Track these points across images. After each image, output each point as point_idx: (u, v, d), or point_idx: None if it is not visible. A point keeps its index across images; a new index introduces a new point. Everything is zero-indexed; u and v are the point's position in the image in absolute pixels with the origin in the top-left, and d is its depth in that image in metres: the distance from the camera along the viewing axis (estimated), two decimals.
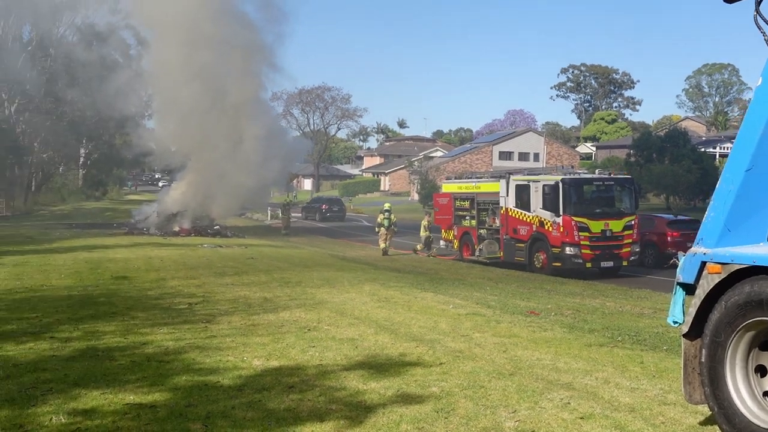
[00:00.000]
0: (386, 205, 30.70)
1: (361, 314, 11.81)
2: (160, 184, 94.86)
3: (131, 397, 6.79)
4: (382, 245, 29.47)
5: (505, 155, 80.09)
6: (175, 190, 38.52)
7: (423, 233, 30.31)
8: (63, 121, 55.34)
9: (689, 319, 5.86)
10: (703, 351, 5.80)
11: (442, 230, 29.61)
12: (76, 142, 61.73)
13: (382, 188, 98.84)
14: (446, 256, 28.95)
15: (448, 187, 30.10)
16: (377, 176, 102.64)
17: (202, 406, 6.61)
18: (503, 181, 26.08)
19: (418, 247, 30.27)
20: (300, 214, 59.28)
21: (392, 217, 29.94)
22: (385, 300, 13.71)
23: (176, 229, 34.29)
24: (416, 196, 72.83)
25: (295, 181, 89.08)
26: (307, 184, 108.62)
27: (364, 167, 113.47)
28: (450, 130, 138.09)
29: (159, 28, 37.41)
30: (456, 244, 28.75)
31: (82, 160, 69.97)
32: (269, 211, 55.46)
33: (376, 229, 30.31)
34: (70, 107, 55.66)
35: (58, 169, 68.28)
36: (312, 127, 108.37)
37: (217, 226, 35.91)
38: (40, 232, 31.95)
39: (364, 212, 67.26)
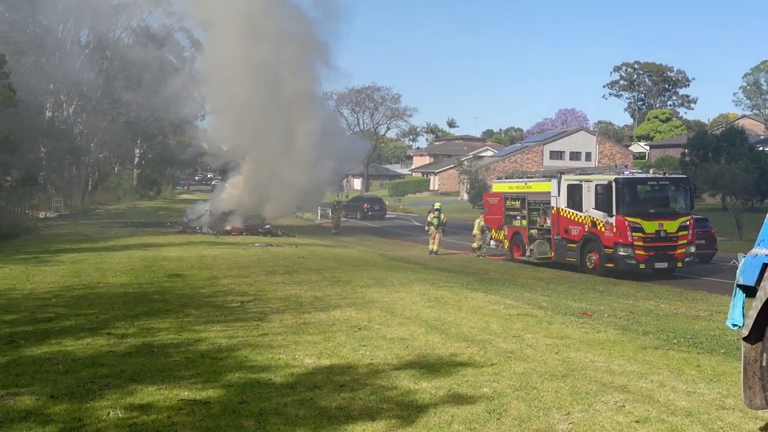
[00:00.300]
0: (436, 204, 30.53)
1: (412, 314, 11.64)
2: (213, 183, 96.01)
3: (186, 393, 6.82)
4: (432, 246, 29.26)
5: (556, 155, 79.08)
6: (229, 188, 38.35)
7: (477, 231, 29.77)
8: (119, 122, 56.87)
9: (749, 321, 5.70)
10: (764, 355, 5.63)
11: (492, 230, 29.28)
12: (131, 142, 63.68)
13: (431, 188, 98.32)
14: (496, 256, 28.64)
15: (499, 186, 29.75)
16: (426, 176, 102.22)
17: (254, 403, 6.61)
18: (554, 181, 25.72)
19: (475, 245, 29.67)
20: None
21: (442, 216, 29.70)
22: (436, 300, 13.55)
23: (228, 228, 34.38)
24: (466, 196, 72.55)
25: (344, 180, 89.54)
26: (357, 183, 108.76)
27: (413, 167, 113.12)
28: (500, 130, 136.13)
29: (213, 25, 37.32)
30: (506, 244, 28.38)
31: (136, 159, 71.83)
32: (319, 211, 55.61)
33: (426, 228, 30.09)
34: (126, 108, 57.64)
35: (113, 169, 70.05)
36: (362, 127, 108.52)
37: (268, 225, 35.96)
38: (97, 231, 32.52)
39: (413, 212, 66.88)
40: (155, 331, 9.58)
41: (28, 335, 9.22)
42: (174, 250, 23.04)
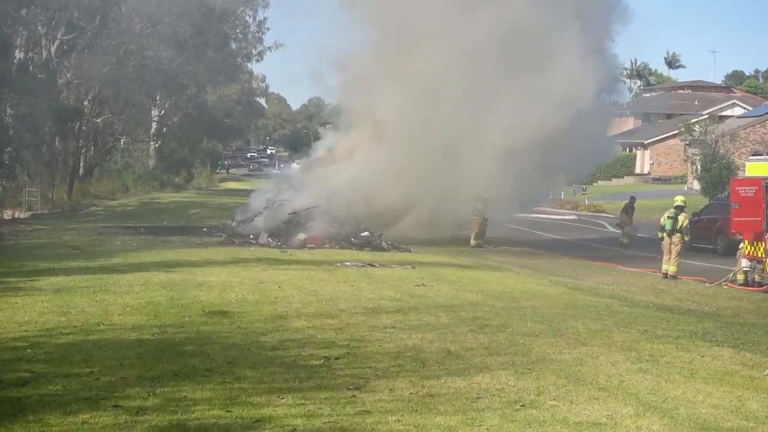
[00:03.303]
0: (678, 199, 21.60)
1: (610, 381, 8.78)
2: (280, 164, 70.46)
3: None
4: (665, 266, 20.90)
5: None
6: (330, 176, 28.43)
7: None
8: (128, 67, 40.23)
9: None
10: None
11: (744, 241, 20.33)
12: (146, 98, 45.64)
13: (638, 170, 69.18)
14: (752, 286, 19.81)
15: (756, 168, 21.07)
16: (629, 149, 71.40)
17: None
18: None
19: (740, 276, 20.04)
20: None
21: (682, 218, 21.02)
22: (650, 358, 10.01)
23: (301, 237, 24.95)
24: (696, 184, 50.41)
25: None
26: None
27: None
28: (756, 71, 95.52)
29: None
30: None
31: (154, 126, 51.28)
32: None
33: (659, 235, 21.70)
34: (139, 44, 40.65)
35: (118, 142, 49.66)
36: None
37: (366, 233, 26.06)
38: (93, 241, 24.49)
39: (605, 209, 48.43)
40: (189, 405, 7.33)
41: None
42: (215, 272, 17.28)
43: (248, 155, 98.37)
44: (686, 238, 20.83)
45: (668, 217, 20.79)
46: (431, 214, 27.93)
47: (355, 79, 31.11)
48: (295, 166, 33.23)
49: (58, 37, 36.37)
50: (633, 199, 30.51)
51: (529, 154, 26.69)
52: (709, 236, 26.40)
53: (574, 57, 27.36)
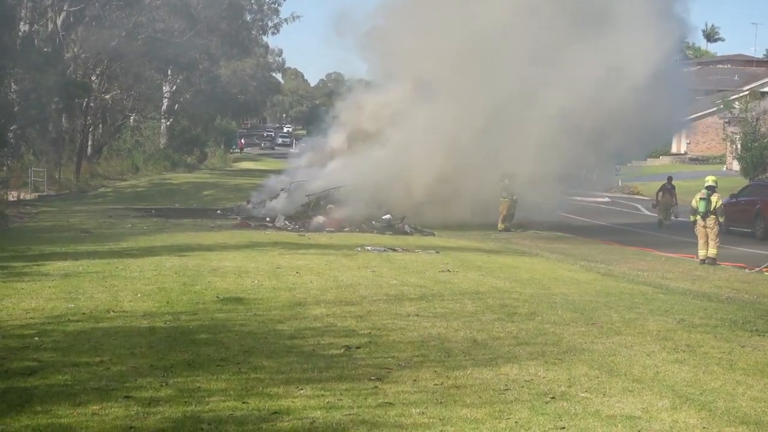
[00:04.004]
0: (709, 179, 20.55)
1: (645, 373, 8.36)
2: (299, 143, 65.04)
3: None
4: (702, 252, 19.90)
5: None
6: (365, 158, 26.31)
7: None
8: (137, 39, 38.32)
9: None
10: None
11: None
12: (157, 73, 43.74)
13: (674, 149, 66.71)
14: None
15: None
16: None
17: None
18: None
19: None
20: None
21: (715, 199, 19.98)
22: (687, 348, 9.59)
23: (320, 220, 24.25)
24: (736, 165, 48.33)
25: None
26: None
27: None
28: None
29: None
30: None
31: (166, 103, 49.64)
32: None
33: (691, 219, 20.71)
34: (147, 16, 38.75)
35: (128, 120, 48.13)
36: None
37: (388, 216, 24.82)
38: (102, 223, 24.39)
39: (640, 191, 46.05)
40: (203, 395, 7.04)
41: None
42: (230, 256, 16.82)
43: (264, 134, 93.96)
44: (722, 220, 19.94)
45: (701, 198, 19.77)
46: (473, 195, 25.94)
47: (393, 31, 27.84)
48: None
49: (65, 8, 34.69)
50: (670, 178, 29.61)
51: (583, 126, 24.90)
52: (748, 219, 25.56)
53: (640, 22, 25.42)
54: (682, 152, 65.26)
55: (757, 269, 18.60)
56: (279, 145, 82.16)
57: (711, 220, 19.51)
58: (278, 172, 30.54)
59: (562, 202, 29.48)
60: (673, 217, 28.47)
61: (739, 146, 46.05)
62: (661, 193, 28.83)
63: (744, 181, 38.28)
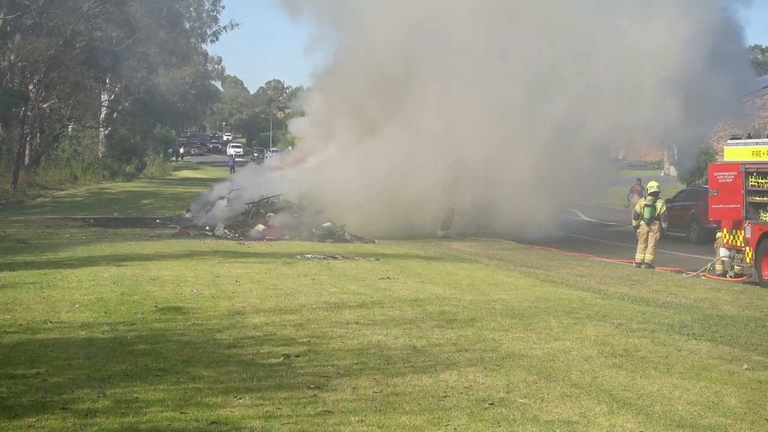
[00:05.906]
0: (651, 185, 20.65)
1: (583, 378, 8.41)
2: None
3: None
4: (641, 254, 20.17)
5: None
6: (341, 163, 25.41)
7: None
8: (75, 48, 37.94)
9: None
10: None
11: (722, 229, 19.40)
12: (95, 81, 43.47)
13: (611, 155, 70.48)
14: (727, 276, 19.18)
15: (734, 152, 19.99)
16: None
17: None
18: None
19: (718, 266, 19.26)
20: None
21: (660, 205, 20.22)
22: (625, 352, 9.64)
23: (260, 228, 23.70)
24: (673, 170, 49.25)
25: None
26: None
27: None
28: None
29: None
30: (748, 254, 18.36)
31: (104, 112, 49.46)
32: None
33: (633, 224, 20.91)
34: (85, 24, 38.10)
35: (66, 129, 47.76)
36: None
37: (328, 224, 24.30)
38: (40, 233, 23.75)
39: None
40: (141, 406, 7.00)
41: None
42: (169, 266, 16.46)
43: (211, 145, 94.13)
44: (665, 226, 20.25)
45: (645, 205, 20.09)
46: (414, 203, 24.88)
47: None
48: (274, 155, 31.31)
49: (1, 16, 34.09)
50: (639, 180, 29.72)
51: (597, 123, 23.61)
52: (683, 224, 25.97)
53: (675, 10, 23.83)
54: (620, 158, 65.81)
55: (694, 273, 18.83)
56: (236, 156, 78.30)
57: (656, 226, 19.82)
58: (218, 180, 30.26)
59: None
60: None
61: (675, 151, 46.00)
62: (631, 195, 29.36)
63: (681, 186, 38.70)
